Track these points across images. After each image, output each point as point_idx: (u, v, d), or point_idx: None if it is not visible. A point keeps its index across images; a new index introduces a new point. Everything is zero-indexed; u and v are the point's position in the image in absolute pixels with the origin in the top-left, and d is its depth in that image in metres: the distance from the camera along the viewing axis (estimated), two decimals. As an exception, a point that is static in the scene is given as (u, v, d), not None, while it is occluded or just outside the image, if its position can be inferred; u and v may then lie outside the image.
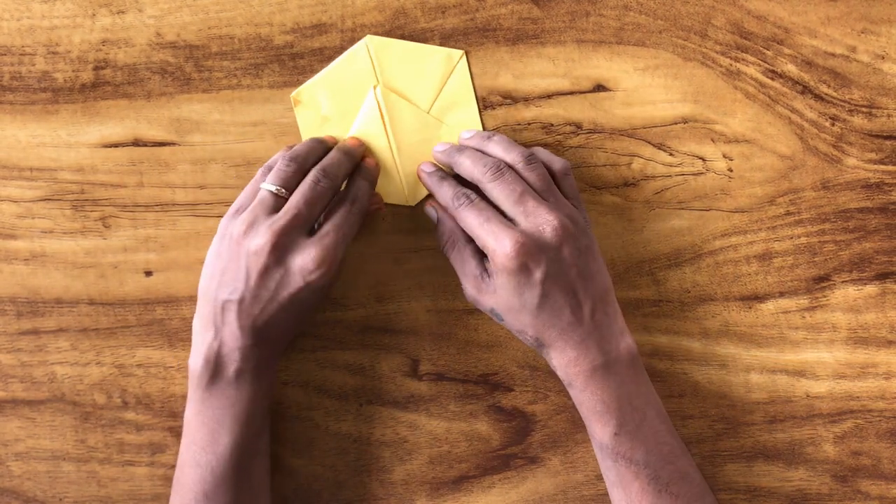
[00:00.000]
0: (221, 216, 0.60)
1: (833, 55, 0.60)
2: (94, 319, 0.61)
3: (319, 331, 0.61)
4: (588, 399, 0.54)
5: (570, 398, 0.59)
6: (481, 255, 0.57)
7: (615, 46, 0.60)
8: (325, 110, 0.60)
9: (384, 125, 0.60)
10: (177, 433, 0.61)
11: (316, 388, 0.61)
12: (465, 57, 0.60)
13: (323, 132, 0.60)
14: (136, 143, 0.61)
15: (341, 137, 0.60)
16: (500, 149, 0.56)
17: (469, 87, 0.60)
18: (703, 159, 0.61)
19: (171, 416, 0.61)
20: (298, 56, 0.60)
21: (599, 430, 0.54)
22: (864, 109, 0.60)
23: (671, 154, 0.61)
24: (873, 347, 0.61)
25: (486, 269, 0.56)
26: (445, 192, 0.56)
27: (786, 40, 0.60)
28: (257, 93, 0.60)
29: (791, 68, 0.60)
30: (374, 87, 0.60)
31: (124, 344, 0.61)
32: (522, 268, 0.52)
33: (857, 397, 0.61)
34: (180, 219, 0.61)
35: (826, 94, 0.60)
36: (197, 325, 0.55)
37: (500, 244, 0.52)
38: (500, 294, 0.54)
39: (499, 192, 0.54)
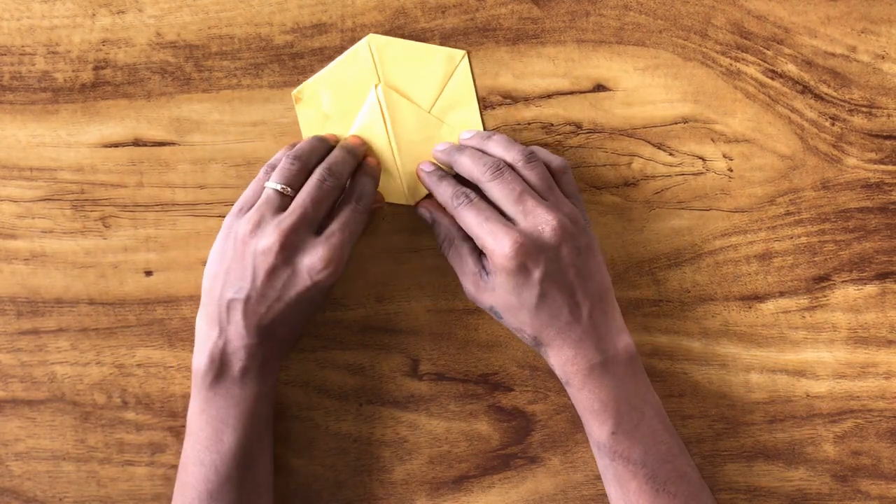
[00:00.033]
0: (221, 216, 0.60)
1: (833, 55, 0.60)
2: (94, 319, 0.61)
3: (319, 331, 0.61)
4: (585, 398, 0.54)
5: (569, 397, 0.59)
6: (479, 253, 0.57)
7: (615, 46, 0.60)
8: (326, 108, 0.60)
9: (385, 124, 0.60)
10: (177, 433, 0.61)
11: (316, 388, 0.61)
12: (467, 57, 0.60)
13: (324, 130, 0.60)
14: (136, 143, 0.61)
15: (342, 136, 0.60)
16: (500, 148, 0.56)
17: (470, 88, 0.60)
18: (703, 159, 0.61)
19: (171, 416, 0.61)
20: (298, 56, 0.60)
21: (597, 429, 0.54)
22: (864, 109, 0.60)
23: (671, 154, 0.61)
24: (873, 347, 0.61)
25: (484, 268, 0.56)
26: (444, 191, 0.56)
27: (786, 40, 0.60)
28: (257, 93, 0.60)
29: (791, 68, 0.60)
30: (376, 86, 0.60)
31: (124, 344, 0.61)
32: (521, 268, 0.52)
33: (857, 397, 0.61)
34: (180, 219, 0.61)
35: (826, 94, 0.60)
36: (201, 323, 0.55)
37: (498, 244, 0.52)
38: (498, 293, 0.54)
39: (498, 191, 0.54)
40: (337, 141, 0.59)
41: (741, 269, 0.61)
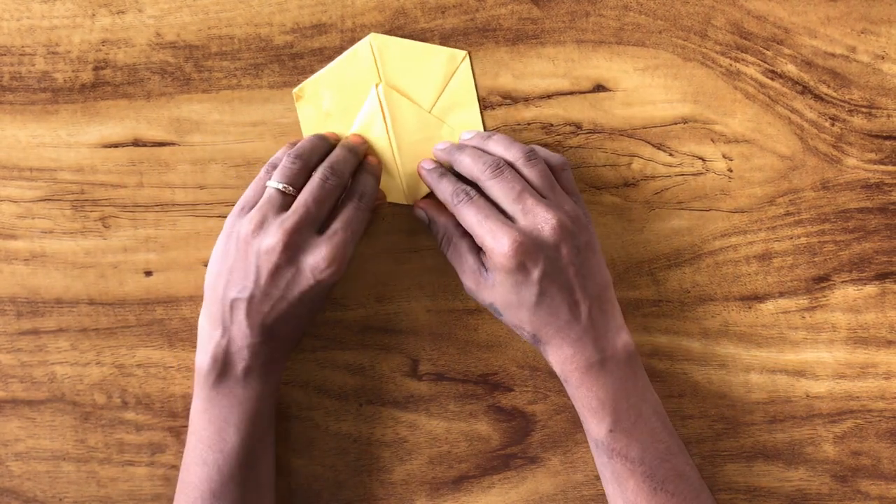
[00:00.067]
0: (222, 216, 0.60)
1: (833, 55, 0.60)
2: (94, 319, 0.61)
3: (319, 331, 0.61)
4: (583, 396, 0.54)
5: (568, 397, 0.59)
6: (479, 250, 0.57)
7: (615, 46, 0.60)
8: (326, 107, 0.60)
9: (385, 123, 0.60)
10: (177, 433, 0.61)
11: (316, 388, 0.61)
12: (468, 58, 0.60)
13: (324, 129, 0.60)
14: (136, 143, 0.61)
15: (343, 134, 0.60)
16: (500, 147, 0.56)
17: (471, 88, 0.60)
18: (702, 159, 0.61)
19: (171, 416, 0.61)
20: (298, 56, 0.60)
21: (595, 427, 0.54)
22: (863, 109, 0.60)
23: (671, 154, 0.61)
24: (873, 347, 0.61)
25: (483, 265, 0.56)
26: (444, 189, 0.56)
27: (786, 40, 0.60)
28: (257, 93, 0.60)
29: (791, 68, 0.60)
30: (377, 86, 0.60)
31: (124, 344, 0.61)
32: (520, 266, 0.53)
33: (857, 397, 0.61)
34: (180, 219, 0.61)
35: (826, 95, 0.60)
36: (204, 323, 0.55)
37: (497, 243, 0.53)
38: (497, 290, 0.54)
39: (498, 189, 0.54)
40: (338, 139, 0.59)
41: (741, 270, 0.61)
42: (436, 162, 0.59)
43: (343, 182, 0.55)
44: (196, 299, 0.61)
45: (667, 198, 0.61)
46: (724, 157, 0.61)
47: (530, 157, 0.55)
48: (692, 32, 0.60)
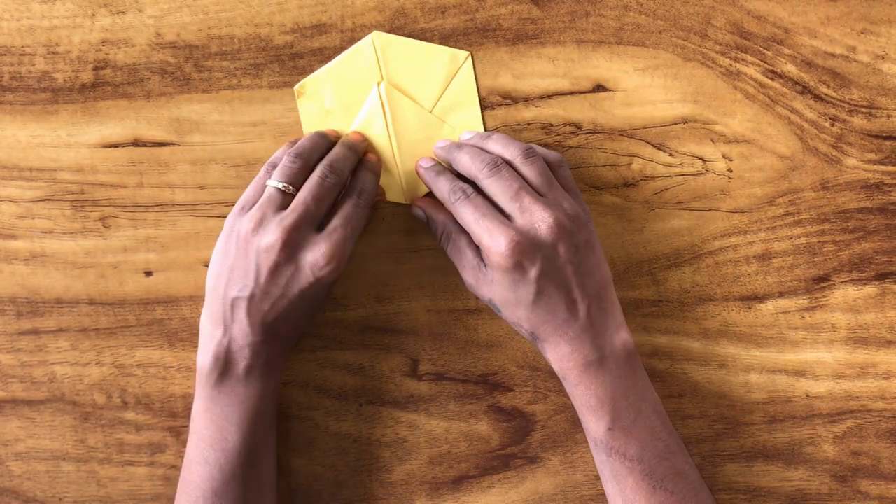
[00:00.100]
0: (222, 216, 0.60)
1: (833, 55, 0.60)
2: (94, 319, 0.61)
3: (319, 331, 0.61)
4: (582, 394, 0.54)
5: (568, 396, 0.59)
6: (477, 245, 0.57)
7: (615, 46, 0.60)
8: (328, 104, 0.60)
9: (386, 122, 0.60)
10: (177, 433, 0.61)
11: (316, 388, 0.61)
12: (470, 58, 0.60)
13: (325, 125, 0.60)
14: (136, 143, 0.61)
15: (343, 131, 0.60)
16: (498, 145, 0.56)
17: (473, 89, 0.60)
18: (702, 159, 0.61)
19: (170, 416, 0.61)
20: (298, 56, 0.60)
21: (593, 425, 0.54)
22: (863, 110, 0.60)
23: (671, 154, 0.61)
24: (873, 347, 0.61)
25: (482, 260, 0.56)
26: (442, 186, 0.56)
27: (786, 40, 0.60)
28: (257, 93, 0.60)
29: (791, 68, 0.60)
30: (378, 84, 0.60)
31: (124, 344, 0.61)
32: (517, 266, 0.53)
33: (857, 397, 0.61)
34: (180, 219, 0.61)
35: (826, 95, 0.60)
36: (205, 322, 0.55)
37: (494, 242, 0.53)
38: (496, 287, 0.54)
39: (496, 188, 0.54)
40: (338, 137, 0.59)
41: (741, 270, 0.61)
42: (434, 160, 0.59)
43: (342, 180, 0.56)
44: (196, 299, 0.61)
45: (667, 198, 0.61)
46: (724, 157, 0.61)
47: (528, 154, 0.55)
48: (692, 32, 0.60)
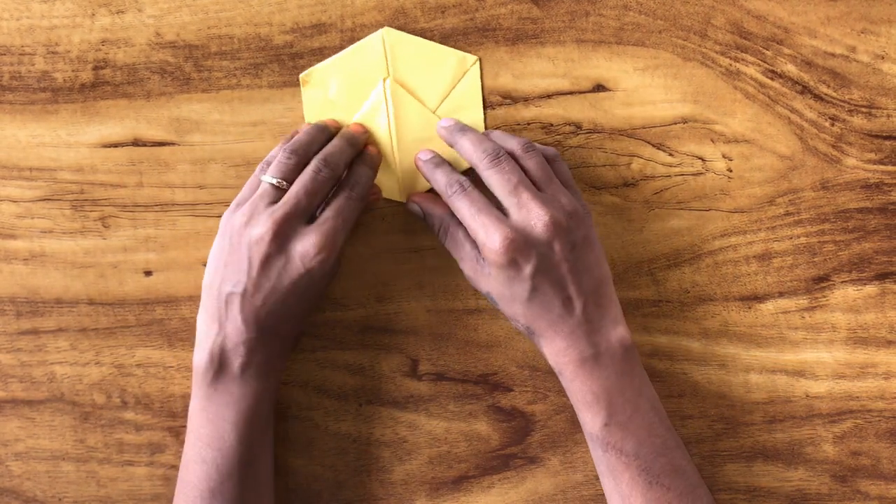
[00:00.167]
0: (221, 216, 0.60)
1: (833, 55, 0.60)
2: (93, 319, 0.61)
3: (319, 331, 0.61)
4: (578, 389, 0.54)
5: (567, 395, 0.59)
6: None
7: (615, 46, 0.60)
8: (332, 94, 0.60)
9: (388, 119, 0.60)
10: (176, 433, 0.61)
11: (316, 388, 0.61)
12: (478, 63, 0.60)
13: (328, 115, 0.60)
14: (136, 143, 0.61)
15: (345, 122, 0.60)
16: (499, 139, 0.57)
17: (478, 94, 0.60)
18: (702, 159, 0.61)
19: (170, 416, 0.61)
20: (298, 56, 0.60)
21: (589, 421, 0.54)
22: (863, 109, 0.60)
23: (671, 154, 0.61)
24: (873, 347, 0.61)
25: (480, 253, 0.56)
26: (440, 178, 0.56)
27: (786, 40, 0.60)
28: (257, 93, 0.60)
29: (791, 68, 0.60)
30: (384, 80, 0.60)
31: (124, 344, 0.61)
32: (511, 263, 0.53)
33: (857, 397, 0.61)
34: (180, 219, 0.61)
35: (826, 94, 0.60)
36: (201, 320, 0.55)
37: (489, 238, 0.53)
38: (492, 281, 0.54)
39: (495, 180, 0.54)
40: (338, 127, 0.59)
41: (741, 270, 0.61)
42: (433, 152, 0.59)
43: (336, 174, 0.55)
44: (196, 299, 0.61)
45: (666, 198, 0.61)
46: (723, 157, 0.61)
47: (528, 147, 0.55)
48: (692, 32, 0.60)
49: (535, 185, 0.55)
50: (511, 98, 0.60)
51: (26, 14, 0.60)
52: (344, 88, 0.60)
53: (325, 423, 0.61)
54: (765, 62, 0.60)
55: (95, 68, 0.60)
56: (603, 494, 0.61)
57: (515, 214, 0.53)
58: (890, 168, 0.61)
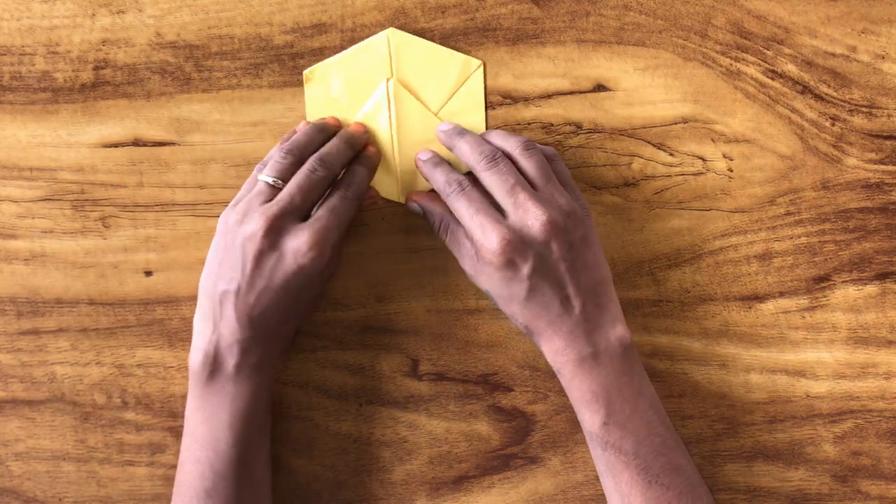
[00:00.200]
0: (221, 216, 0.60)
1: (833, 55, 0.60)
2: (94, 319, 0.61)
3: (319, 331, 0.61)
4: (576, 388, 0.54)
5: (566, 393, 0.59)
6: None
7: (615, 46, 0.60)
8: (334, 92, 0.60)
9: (390, 119, 0.60)
10: (177, 433, 0.61)
11: (316, 388, 0.61)
12: (482, 68, 0.60)
13: (329, 113, 0.60)
14: (136, 143, 0.61)
15: (347, 121, 0.60)
16: (499, 139, 0.57)
17: (480, 98, 0.60)
18: (703, 159, 0.61)
19: (171, 416, 0.61)
20: (298, 56, 0.60)
21: (588, 419, 0.54)
22: (864, 109, 0.60)
23: (671, 154, 0.61)
24: (873, 347, 0.61)
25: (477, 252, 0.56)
26: (439, 178, 0.56)
27: (786, 40, 0.60)
28: (257, 93, 0.60)
29: (791, 68, 0.60)
30: (387, 80, 0.60)
31: (124, 344, 0.61)
32: (509, 263, 0.53)
33: (857, 397, 0.61)
34: (180, 219, 0.61)
35: (826, 94, 0.60)
36: (197, 320, 0.55)
37: (486, 238, 0.53)
38: (491, 280, 0.54)
39: (492, 181, 0.54)
40: (338, 125, 0.59)
41: (741, 270, 0.61)
42: (432, 152, 0.59)
43: (332, 174, 0.55)
44: (196, 299, 0.61)
45: (667, 198, 0.61)
46: (724, 156, 0.61)
47: (528, 146, 0.55)
48: (692, 32, 0.60)
49: (532, 186, 0.55)
50: (511, 98, 0.60)
51: (27, 14, 0.60)
52: (347, 87, 0.60)
53: (325, 423, 0.61)
54: (765, 62, 0.60)
55: (96, 68, 0.60)
56: (603, 494, 0.61)
57: (513, 215, 0.53)
58: (890, 168, 0.60)
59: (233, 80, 0.60)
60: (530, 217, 0.53)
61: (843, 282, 0.61)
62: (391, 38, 0.59)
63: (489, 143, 0.56)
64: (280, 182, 0.54)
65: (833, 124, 0.60)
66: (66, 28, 0.60)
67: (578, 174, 0.61)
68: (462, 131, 0.58)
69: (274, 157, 0.56)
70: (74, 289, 0.61)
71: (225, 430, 0.54)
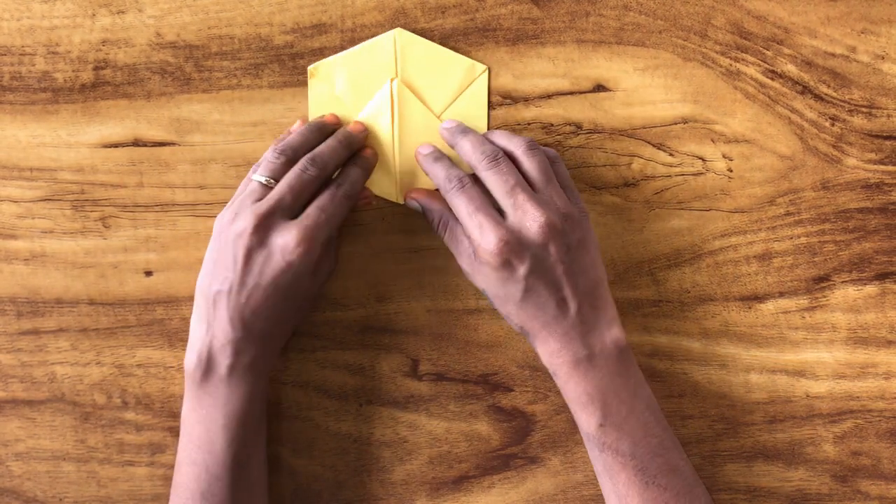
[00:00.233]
0: (221, 216, 0.60)
1: (833, 55, 0.60)
2: (94, 319, 0.61)
3: (319, 331, 0.61)
4: (572, 390, 0.54)
5: (569, 398, 0.59)
6: None
7: (615, 46, 0.60)
8: (338, 90, 0.60)
9: (392, 119, 0.60)
10: (177, 433, 0.61)
11: (316, 388, 0.61)
12: (487, 73, 0.60)
13: (331, 111, 0.60)
14: (136, 143, 0.61)
15: (348, 118, 0.60)
16: (502, 138, 0.57)
17: (483, 103, 0.60)
18: (702, 159, 0.61)
19: (171, 416, 0.61)
20: (298, 56, 0.60)
21: (585, 421, 0.54)
22: (864, 109, 0.60)
23: (671, 154, 0.61)
24: (873, 347, 0.61)
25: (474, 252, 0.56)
26: (439, 173, 0.56)
27: (786, 40, 0.60)
28: (257, 93, 0.60)
29: (791, 68, 0.60)
30: (392, 80, 0.60)
31: (124, 344, 0.61)
32: (505, 264, 0.53)
33: (857, 397, 0.61)
34: (180, 219, 0.61)
35: (826, 94, 0.60)
36: (193, 321, 0.55)
37: (484, 238, 0.53)
38: (487, 280, 0.54)
39: (493, 181, 0.54)
40: (337, 123, 0.59)
41: (741, 270, 0.61)
42: (433, 146, 0.59)
43: (324, 173, 0.55)
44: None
45: (667, 198, 0.61)
46: (724, 157, 0.61)
47: (531, 147, 0.55)
48: (692, 32, 0.60)
49: (533, 187, 0.55)
50: (511, 98, 0.60)
51: (27, 14, 0.60)
52: (351, 85, 0.60)
53: (325, 423, 0.61)
54: (765, 62, 0.60)
55: (96, 68, 0.60)
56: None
57: (511, 216, 0.53)
58: (890, 168, 0.61)
59: (233, 81, 0.60)
60: (529, 218, 0.53)
61: (842, 282, 0.61)
62: (398, 39, 0.59)
63: (492, 142, 0.56)
64: (272, 181, 0.55)
65: (833, 124, 0.60)
66: (66, 28, 0.60)
67: (578, 174, 0.61)
68: (465, 129, 0.58)
69: (267, 157, 0.56)
70: (74, 289, 0.61)
71: (219, 431, 0.54)
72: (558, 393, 0.61)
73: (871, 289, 0.61)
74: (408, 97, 0.60)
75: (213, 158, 0.61)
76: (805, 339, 0.61)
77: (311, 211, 0.54)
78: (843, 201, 0.61)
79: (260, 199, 0.54)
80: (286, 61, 0.60)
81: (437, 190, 0.58)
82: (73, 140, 0.61)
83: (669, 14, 0.60)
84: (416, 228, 0.61)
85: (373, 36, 0.60)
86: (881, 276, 0.61)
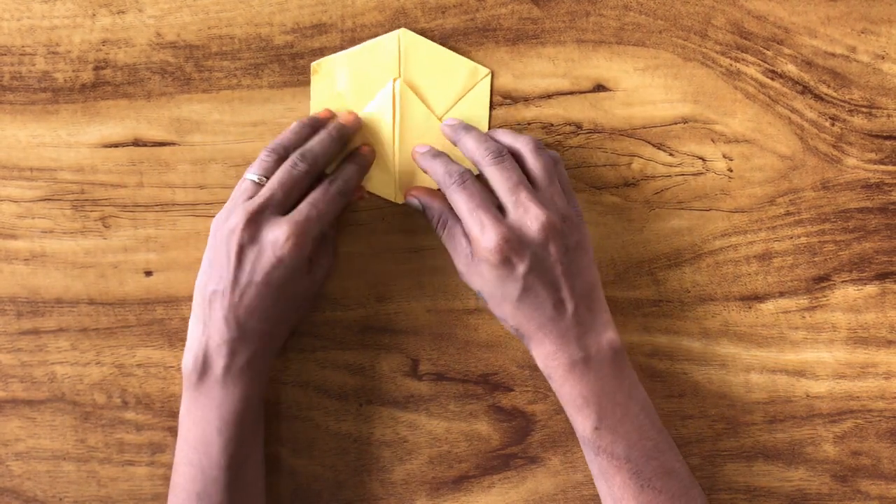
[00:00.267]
0: (221, 216, 0.60)
1: (833, 55, 0.60)
2: (94, 319, 0.61)
3: (319, 331, 0.61)
4: (567, 393, 0.54)
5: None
6: None
7: (615, 46, 0.60)
8: (340, 87, 0.60)
9: (394, 119, 0.60)
10: (176, 433, 0.61)
11: (316, 388, 0.61)
12: (490, 76, 0.60)
13: (334, 107, 0.60)
14: (136, 143, 0.61)
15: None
16: (507, 137, 0.57)
17: (485, 106, 0.60)
18: (703, 159, 0.61)
19: (171, 416, 0.61)
20: (298, 56, 0.60)
21: (580, 424, 0.54)
22: (864, 109, 0.60)
23: (671, 154, 0.61)
24: (873, 347, 0.61)
25: (473, 249, 0.56)
26: (438, 169, 0.56)
27: (786, 40, 0.60)
28: (257, 93, 0.60)
29: (791, 68, 0.60)
30: (394, 80, 0.60)
31: (124, 344, 0.61)
32: (505, 262, 0.53)
33: (857, 397, 0.61)
34: (180, 219, 0.61)
35: (826, 94, 0.60)
36: (191, 323, 0.55)
37: (484, 235, 0.53)
38: (484, 279, 0.54)
39: (496, 177, 0.54)
40: (332, 118, 0.59)
41: (741, 270, 0.61)
42: (430, 146, 0.59)
43: (315, 168, 0.55)
44: (196, 299, 0.61)
45: (667, 198, 0.61)
46: (724, 156, 0.61)
47: (539, 146, 0.56)
48: (692, 32, 0.60)
49: (534, 185, 0.55)
50: (511, 98, 0.60)
51: (27, 14, 0.60)
52: (353, 82, 0.60)
53: (325, 423, 0.61)
54: (765, 62, 0.60)
55: (96, 68, 0.60)
56: (603, 494, 0.61)
57: (513, 213, 0.53)
58: (890, 168, 0.61)
59: (233, 81, 0.60)
60: (530, 217, 0.53)
61: (842, 282, 0.61)
62: (402, 39, 0.59)
63: (495, 140, 0.56)
64: (264, 179, 0.55)
65: (833, 124, 0.60)
66: (66, 28, 0.60)
67: (578, 174, 0.61)
68: (468, 127, 0.58)
69: (259, 156, 0.56)
70: (74, 289, 0.61)
71: (215, 433, 0.54)
72: (558, 393, 0.61)
73: (871, 289, 0.61)
74: (410, 97, 0.60)
75: (213, 158, 0.61)
76: (805, 339, 0.61)
77: (303, 206, 0.54)
78: (843, 201, 0.61)
79: (252, 197, 0.54)
80: (286, 61, 0.60)
81: (437, 189, 0.58)
82: (73, 140, 0.61)
83: (669, 14, 0.60)
84: (416, 228, 0.61)
85: (373, 36, 0.60)
86: (881, 276, 0.61)
